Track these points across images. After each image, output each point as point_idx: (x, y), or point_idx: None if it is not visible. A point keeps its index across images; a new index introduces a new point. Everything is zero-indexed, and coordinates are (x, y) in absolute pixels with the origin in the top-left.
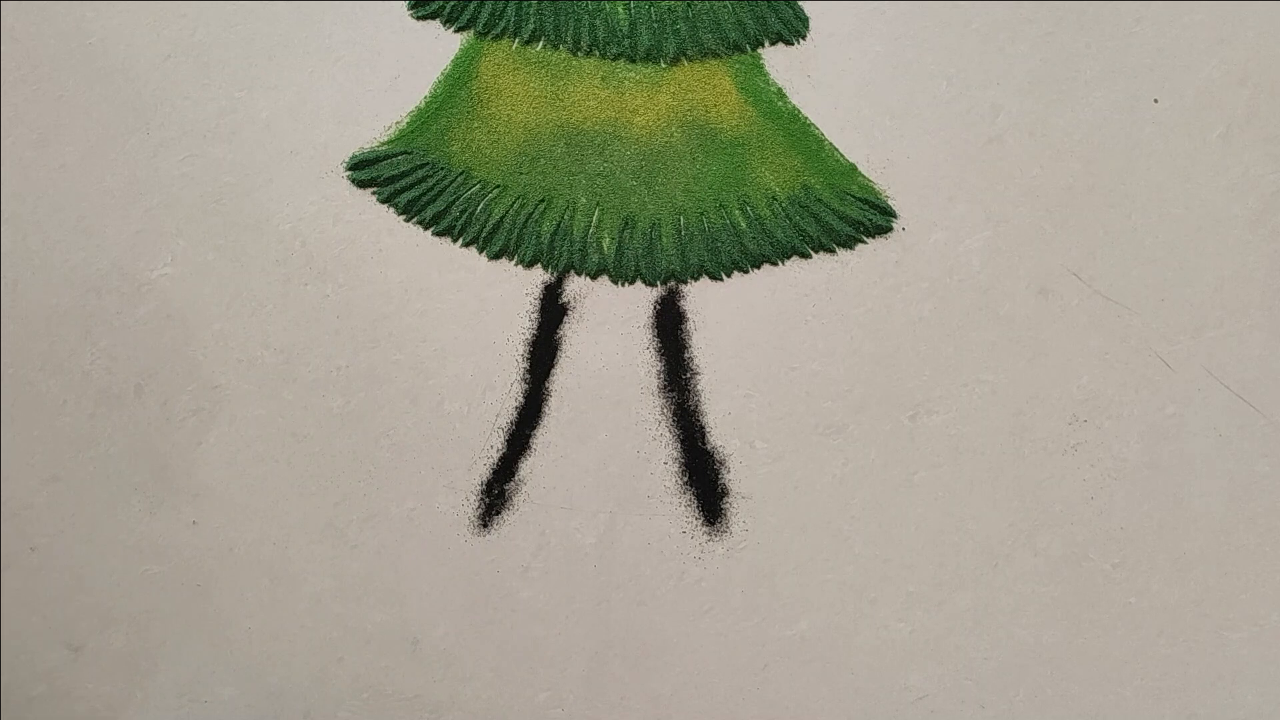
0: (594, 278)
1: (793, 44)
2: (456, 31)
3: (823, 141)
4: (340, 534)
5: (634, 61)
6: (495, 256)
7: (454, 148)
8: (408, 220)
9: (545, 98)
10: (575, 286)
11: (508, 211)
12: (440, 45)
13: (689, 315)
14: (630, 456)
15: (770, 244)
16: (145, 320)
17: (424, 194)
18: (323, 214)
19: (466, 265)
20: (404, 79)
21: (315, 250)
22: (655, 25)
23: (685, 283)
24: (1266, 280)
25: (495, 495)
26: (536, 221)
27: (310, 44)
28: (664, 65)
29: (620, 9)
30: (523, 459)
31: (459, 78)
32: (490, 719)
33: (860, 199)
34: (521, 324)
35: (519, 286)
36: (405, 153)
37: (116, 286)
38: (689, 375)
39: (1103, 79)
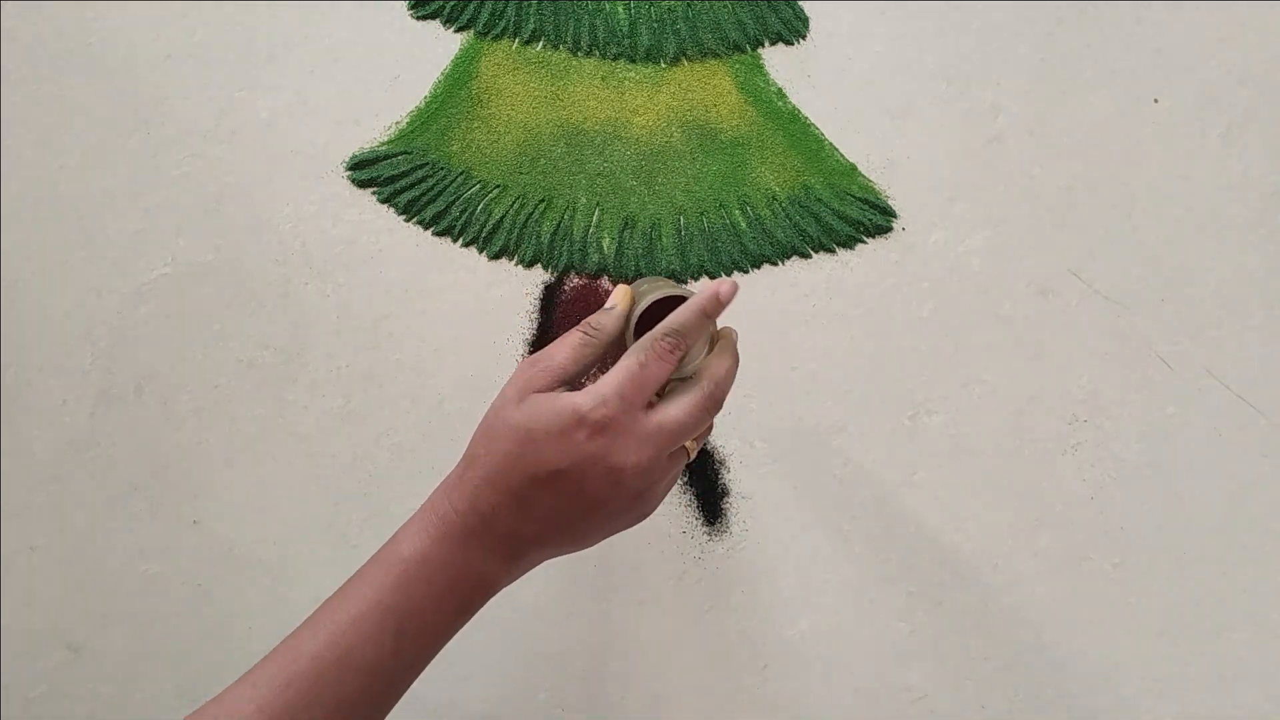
0: (594, 278)
1: (793, 44)
2: (456, 31)
3: (823, 141)
4: (340, 534)
5: (634, 61)
6: (495, 256)
7: (454, 148)
8: (408, 220)
9: (545, 98)
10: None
11: (508, 211)
12: (440, 45)
13: None
14: None
15: (770, 244)
16: (145, 320)
17: (424, 194)
18: (323, 214)
19: (466, 265)
20: (404, 79)
21: (315, 250)
22: (655, 25)
23: (685, 283)
24: (1266, 280)
25: None
26: (536, 221)
27: (310, 44)
28: (664, 65)
29: (620, 9)
30: None
31: (459, 78)
32: (490, 719)
33: (860, 199)
34: (521, 324)
35: (519, 286)
36: (405, 153)
37: (116, 286)
38: None
39: (1103, 79)
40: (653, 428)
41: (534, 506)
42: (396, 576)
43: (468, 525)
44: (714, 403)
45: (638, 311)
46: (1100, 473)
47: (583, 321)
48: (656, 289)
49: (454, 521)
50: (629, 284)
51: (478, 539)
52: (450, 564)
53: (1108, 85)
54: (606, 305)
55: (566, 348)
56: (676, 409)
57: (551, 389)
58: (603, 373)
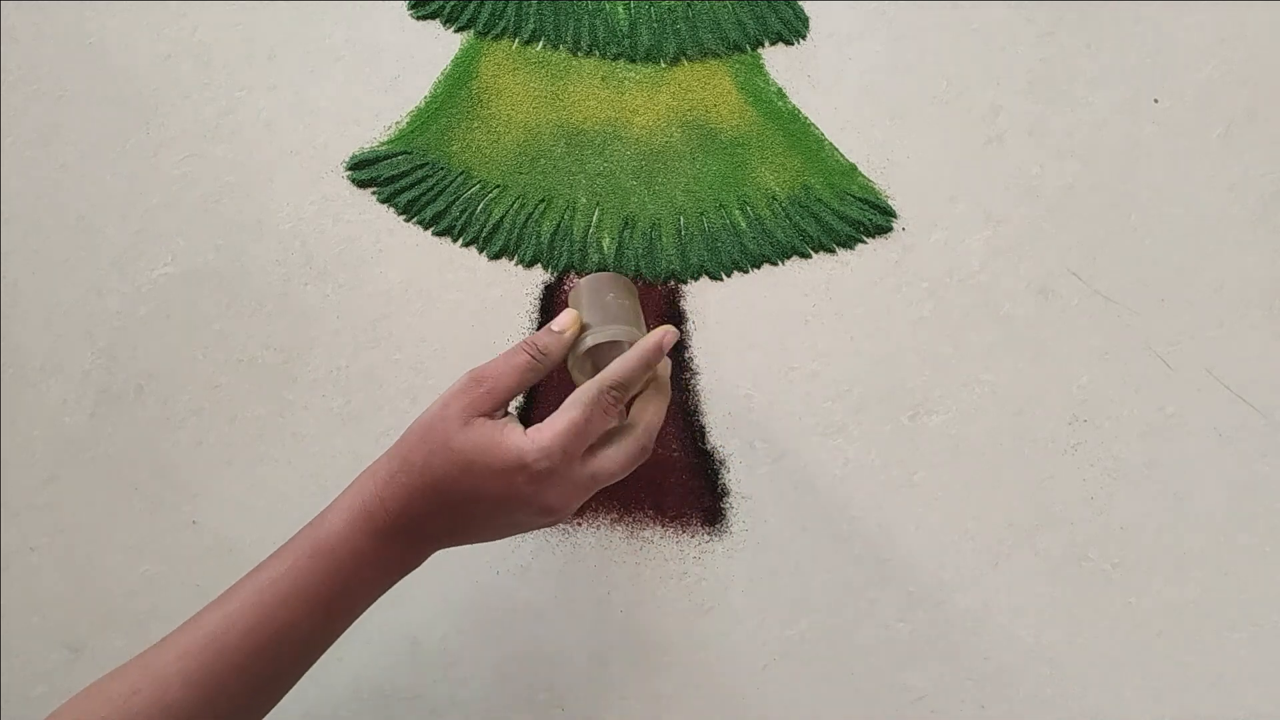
0: None
1: (793, 44)
2: (456, 31)
3: (823, 141)
4: None
5: (634, 61)
6: (495, 256)
7: (454, 148)
8: (408, 220)
9: (545, 98)
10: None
11: (508, 211)
12: (440, 45)
13: (689, 315)
14: None
15: (770, 244)
16: (145, 320)
17: (424, 194)
18: (323, 214)
19: (466, 265)
20: (404, 79)
21: (315, 250)
22: (655, 25)
23: (685, 283)
24: (1266, 280)
25: None
26: (536, 221)
27: (310, 44)
28: (664, 65)
29: (620, 9)
30: None
31: (459, 78)
32: (490, 719)
33: (860, 199)
34: (521, 324)
35: (519, 286)
36: (405, 153)
37: (116, 286)
38: (689, 375)
39: (1103, 79)
40: (586, 477)
41: (464, 519)
42: (327, 564)
43: (398, 525)
44: (646, 451)
45: (582, 349)
46: (1100, 473)
47: (529, 339)
48: (604, 326)
49: (384, 520)
50: (581, 280)
51: (407, 536)
52: (379, 557)
53: (1108, 85)
54: (554, 326)
55: (513, 371)
56: (610, 461)
57: (494, 412)
58: None
